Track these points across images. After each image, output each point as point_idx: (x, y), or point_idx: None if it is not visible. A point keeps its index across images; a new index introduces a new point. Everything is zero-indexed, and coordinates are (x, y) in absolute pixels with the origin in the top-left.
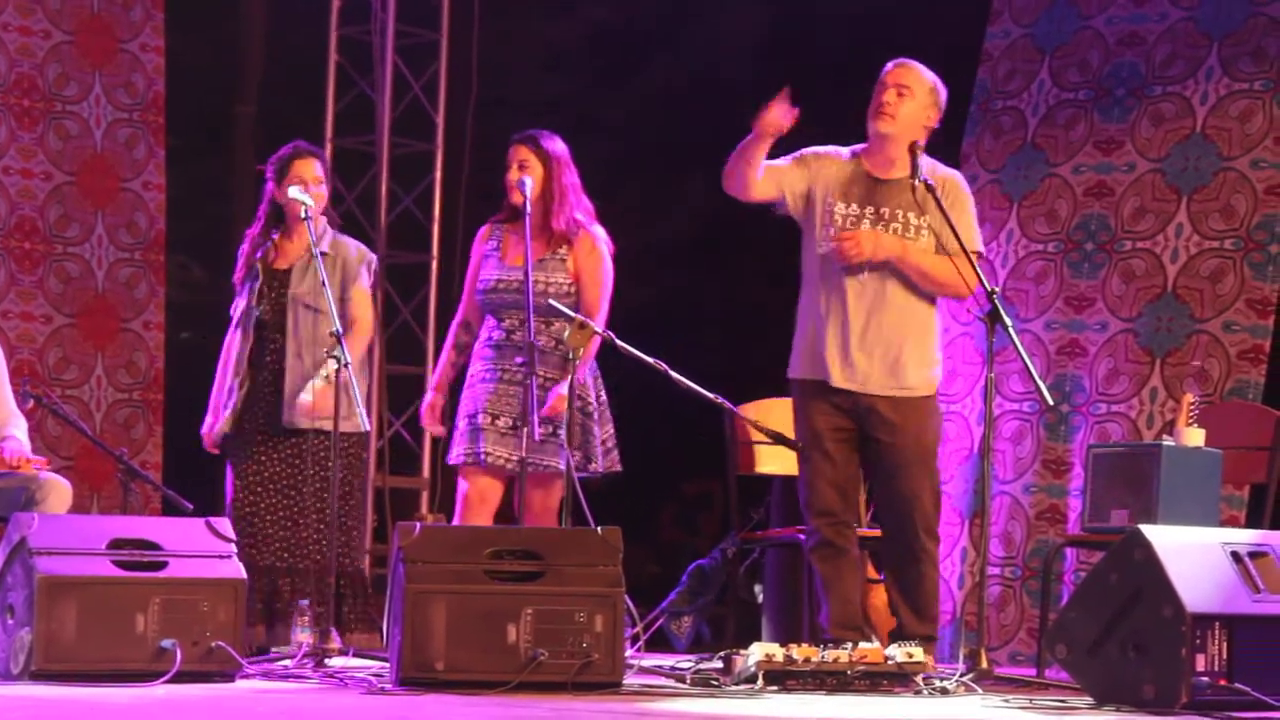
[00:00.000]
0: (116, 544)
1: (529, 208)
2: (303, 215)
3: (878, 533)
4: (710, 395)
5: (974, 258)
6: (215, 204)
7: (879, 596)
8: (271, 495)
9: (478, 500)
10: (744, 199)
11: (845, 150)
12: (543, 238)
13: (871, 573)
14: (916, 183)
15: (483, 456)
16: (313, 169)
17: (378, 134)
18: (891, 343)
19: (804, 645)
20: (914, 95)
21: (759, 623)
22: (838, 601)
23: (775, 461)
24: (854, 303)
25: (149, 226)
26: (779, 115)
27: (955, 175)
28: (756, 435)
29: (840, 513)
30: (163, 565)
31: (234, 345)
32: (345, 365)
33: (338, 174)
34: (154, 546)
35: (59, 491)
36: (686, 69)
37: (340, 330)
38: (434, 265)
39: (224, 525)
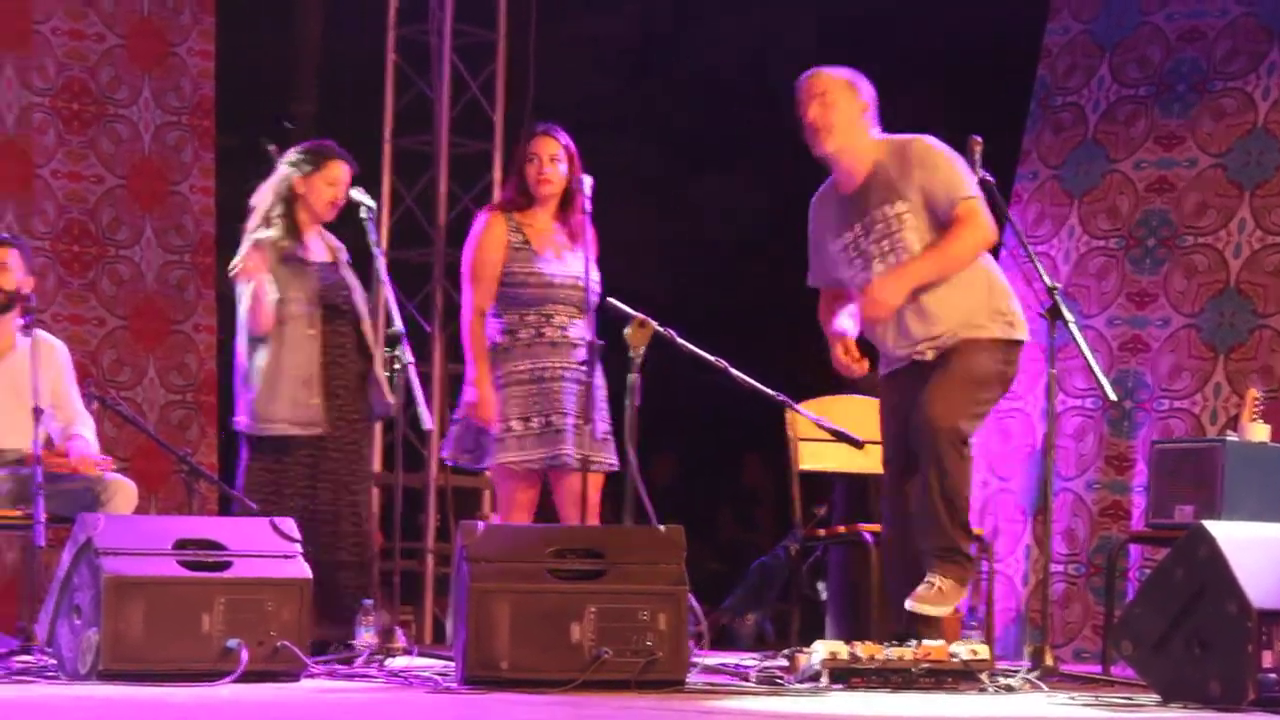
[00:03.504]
0: (182, 544)
1: (588, 205)
2: (365, 215)
3: None
4: (771, 392)
5: (972, 202)
6: None
7: None
8: (344, 489)
9: (528, 504)
10: None
11: (824, 186)
12: (565, 232)
13: None
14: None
15: (569, 457)
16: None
17: (436, 134)
18: (925, 311)
19: (868, 643)
20: (834, 99)
21: (823, 620)
22: None
23: (837, 458)
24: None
25: (196, 229)
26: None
27: (920, 137)
28: (818, 432)
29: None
30: (227, 565)
31: (293, 336)
32: (407, 365)
33: (397, 174)
34: (219, 546)
35: (124, 492)
36: (736, 65)
37: (403, 331)
38: None
39: (288, 525)
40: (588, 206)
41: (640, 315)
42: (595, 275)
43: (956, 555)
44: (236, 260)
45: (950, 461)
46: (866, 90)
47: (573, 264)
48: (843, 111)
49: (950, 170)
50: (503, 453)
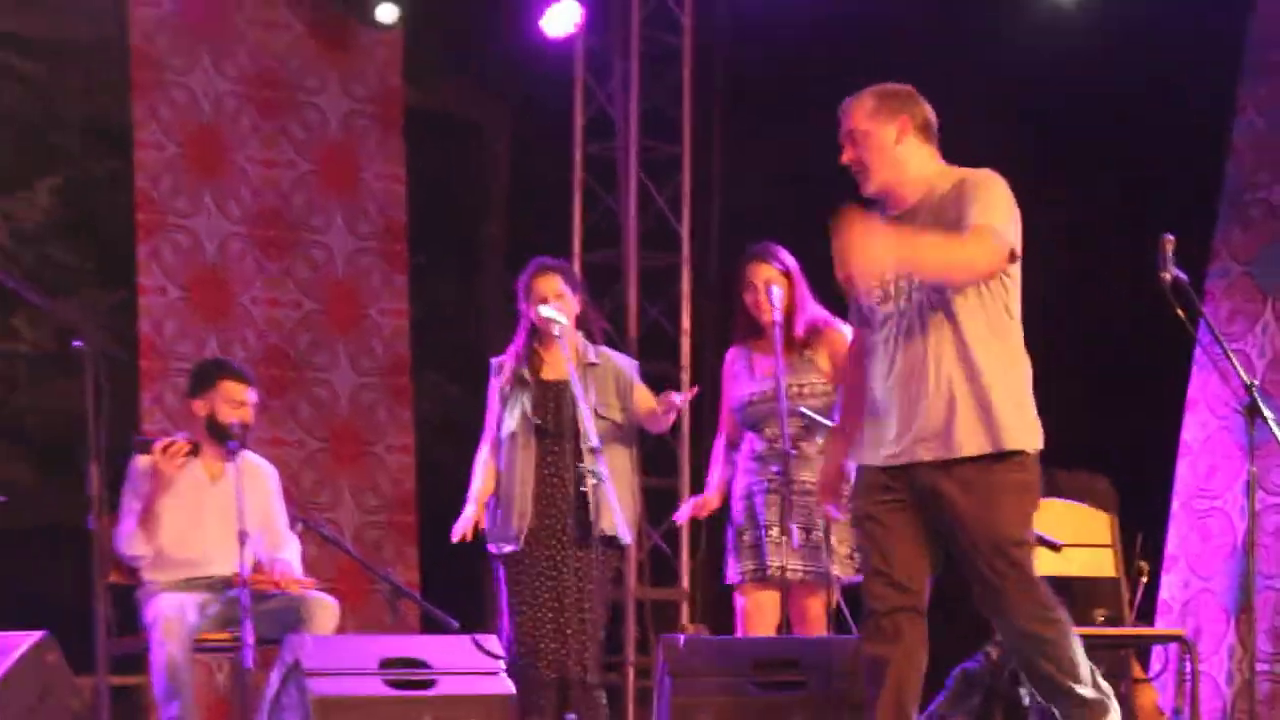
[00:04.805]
0: (387, 663)
1: (779, 317)
2: (555, 333)
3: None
4: None
5: (991, 227)
6: (467, 322)
7: (1146, 696)
8: (546, 608)
9: (758, 613)
10: None
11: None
12: (786, 347)
13: (1138, 672)
14: (1165, 275)
15: (766, 569)
16: (554, 284)
17: (625, 248)
18: (944, 400)
19: None
20: (866, 133)
21: None
22: None
23: (1035, 562)
24: (900, 358)
25: (386, 351)
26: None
27: (987, 171)
28: None
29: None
30: (432, 683)
31: (514, 460)
32: (601, 480)
33: (587, 289)
34: (423, 665)
35: (327, 610)
36: None
37: (598, 445)
38: (684, 376)
39: (491, 642)
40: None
41: (833, 424)
42: (809, 381)
43: (1088, 704)
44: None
45: (1051, 634)
46: (903, 107)
47: (804, 375)
48: (876, 147)
49: (995, 202)
50: (726, 567)
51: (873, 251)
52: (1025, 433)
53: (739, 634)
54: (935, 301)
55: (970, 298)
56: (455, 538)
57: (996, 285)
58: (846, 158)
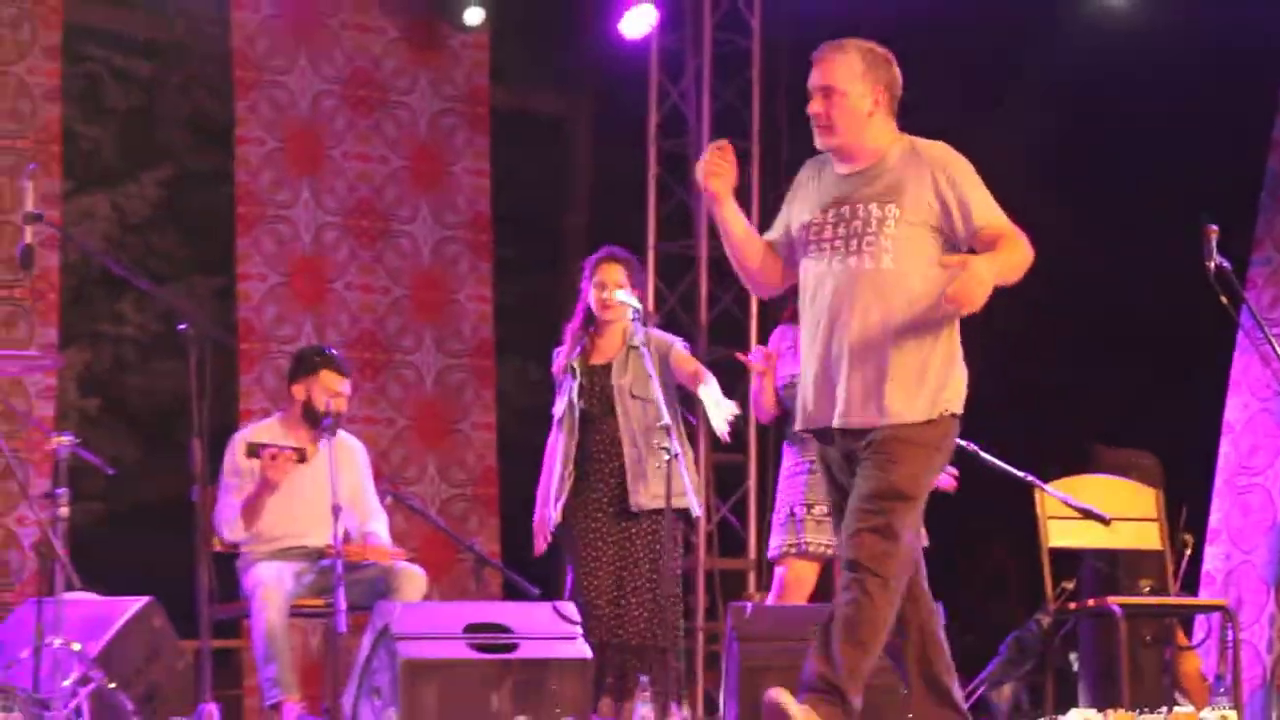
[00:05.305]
0: (471, 628)
1: None
2: (630, 317)
3: (1175, 600)
4: (1019, 473)
5: (1008, 230)
6: (550, 310)
7: (1190, 663)
8: (605, 577)
9: (796, 584)
10: (775, 293)
11: (821, 158)
12: None
13: (1181, 639)
14: (1210, 264)
15: (804, 546)
16: (618, 274)
17: (696, 238)
18: (876, 367)
19: (1120, 710)
20: (844, 94)
21: (1075, 690)
22: None
23: (1084, 535)
24: (834, 324)
25: (472, 334)
26: (710, 165)
27: (942, 143)
28: (1066, 509)
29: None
30: (514, 647)
31: (559, 443)
32: (675, 457)
33: (661, 277)
34: (506, 630)
35: (415, 580)
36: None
37: (670, 423)
38: None
39: (569, 609)
40: None
41: None
42: None
43: (836, 697)
44: None
45: (870, 585)
46: (885, 78)
47: None
48: (851, 111)
49: (979, 188)
50: (768, 542)
51: (983, 290)
52: (946, 399)
53: (771, 600)
54: (853, 247)
55: (885, 246)
56: (537, 550)
57: (933, 260)
58: (814, 110)
